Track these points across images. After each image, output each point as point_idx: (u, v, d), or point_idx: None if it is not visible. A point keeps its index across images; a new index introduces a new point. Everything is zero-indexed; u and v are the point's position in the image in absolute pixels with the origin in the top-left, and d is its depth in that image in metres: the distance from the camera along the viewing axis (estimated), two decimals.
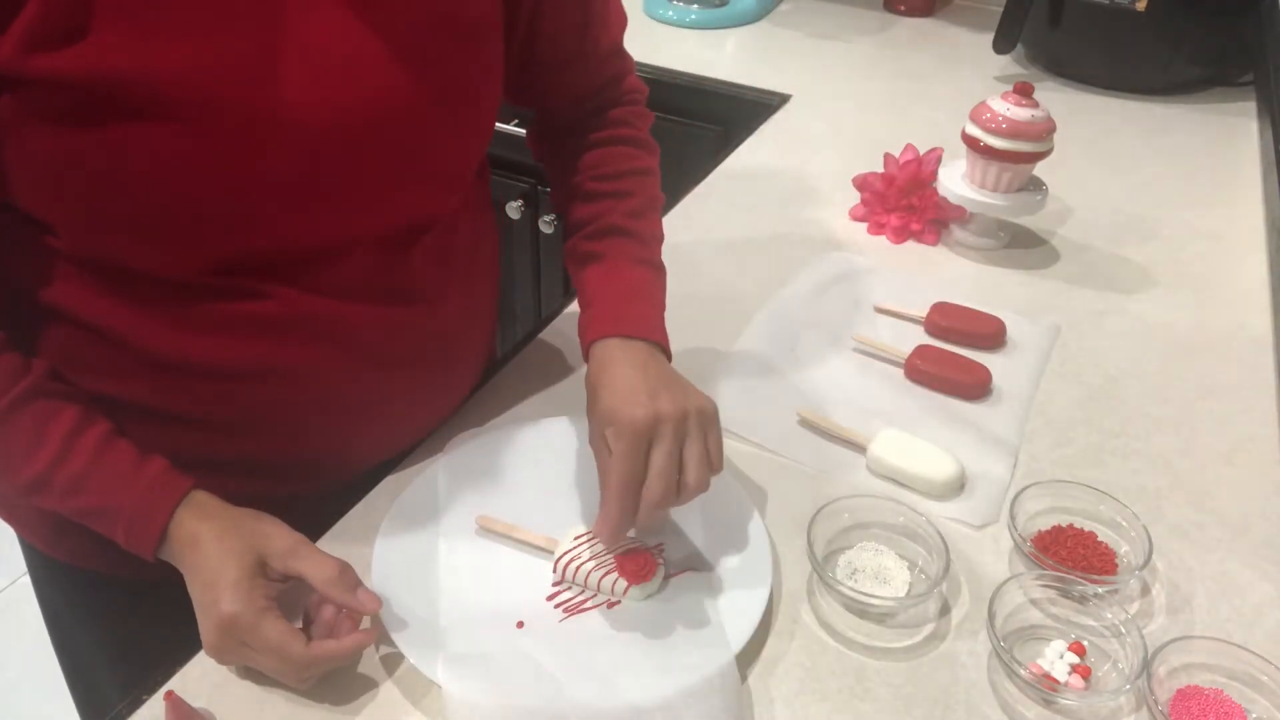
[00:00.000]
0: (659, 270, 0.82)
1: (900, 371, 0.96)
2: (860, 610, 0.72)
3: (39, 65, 0.54)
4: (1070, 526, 0.78)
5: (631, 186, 0.84)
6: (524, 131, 0.92)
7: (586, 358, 0.76)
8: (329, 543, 0.76)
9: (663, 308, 0.80)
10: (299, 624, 0.67)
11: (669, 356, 0.76)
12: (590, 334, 0.76)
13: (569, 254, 0.84)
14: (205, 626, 0.63)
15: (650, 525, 0.69)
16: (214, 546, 0.64)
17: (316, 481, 0.78)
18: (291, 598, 0.67)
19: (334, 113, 0.63)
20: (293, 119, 0.61)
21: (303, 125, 0.61)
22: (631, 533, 0.73)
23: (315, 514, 0.77)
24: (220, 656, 0.64)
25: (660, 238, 0.85)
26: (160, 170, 0.59)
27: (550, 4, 0.76)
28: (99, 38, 0.55)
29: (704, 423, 0.69)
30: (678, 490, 0.67)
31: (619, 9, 0.84)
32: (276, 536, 0.65)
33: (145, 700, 0.65)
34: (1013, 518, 0.77)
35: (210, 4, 0.57)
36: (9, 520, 0.82)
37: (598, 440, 0.70)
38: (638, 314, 0.77)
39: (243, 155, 0.60)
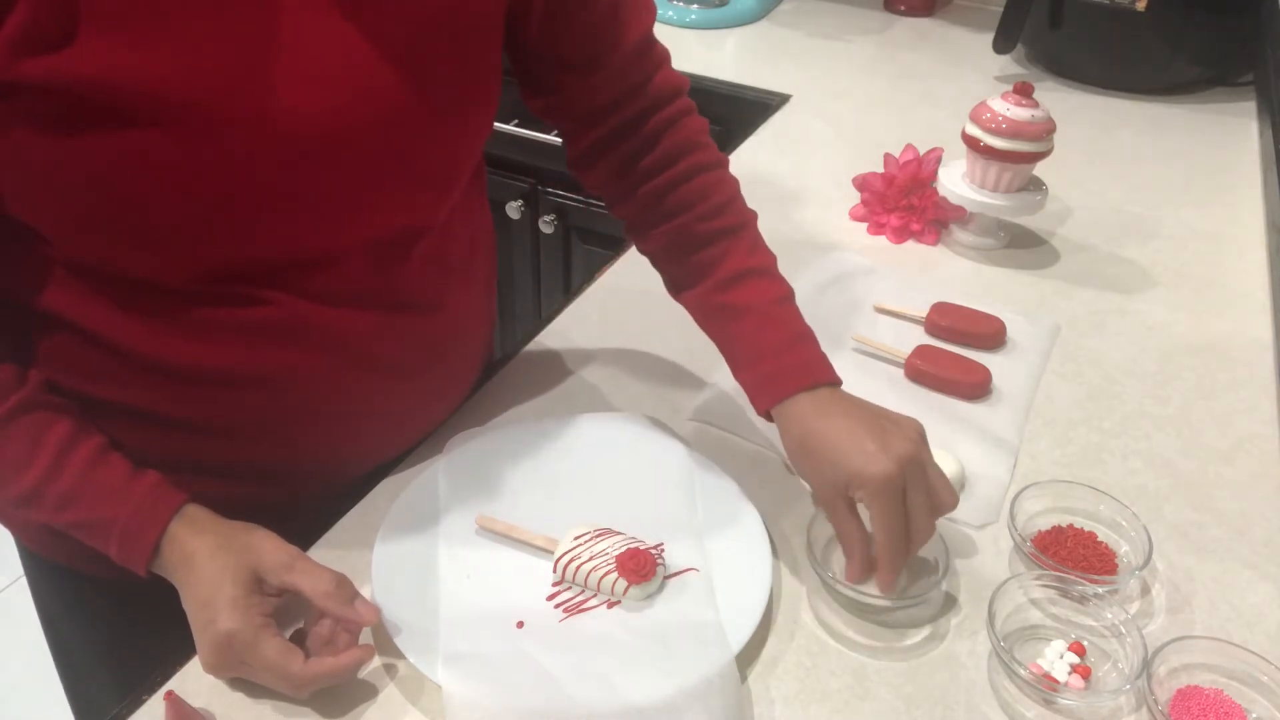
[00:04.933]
0: (794, 299, 0.80)
1: (900, 371, 0.96)
2: (860, 610, 0.72)
3: (27, 71, 0.54)
4: (1070, 526, 0.78)
5: (738, 220, 0.81)
6: (524, 131, 0.91)
7: (768, 415, 0.75)
8: (329, 544, 0.76)
9: (815, 339, 0.78)
10: (300, 626, 0.67)
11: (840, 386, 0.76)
12: (770, 394, 0.74)
13: (698, 306, 0.81)
14: (202, 644, 0.63)
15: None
16: (208, 564, 0.64)
17: (315, 485, 0.78)
18: (289, 608, 0.67)
19: (326, 118, 0.62)
20: (284, 124, 0.60)
21: (294, 131, 0.61)
22: (625, 529, 0.74)
23: (314, 516, 0.77)
24: (218, 673, 0.64)
25: (775, 260, 0.81)
26: (151, 176, 0.58)
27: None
28: (88, 43, 0.54)
29: (925, 442, 0.71)
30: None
31: (648, 1, 0.80)
32: (271, 551, 0.65)
33: (145, 700, 0.65)
34: (1013, 518, 0.77)
35: (201, 9, 0.57)
36: (4, 523, 0.82)
37: (832, 498, 0.70)
38: (809, 359, 0.76)
39: (234, 161, 0.60)
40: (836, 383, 0.75)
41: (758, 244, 0.81)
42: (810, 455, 0.71)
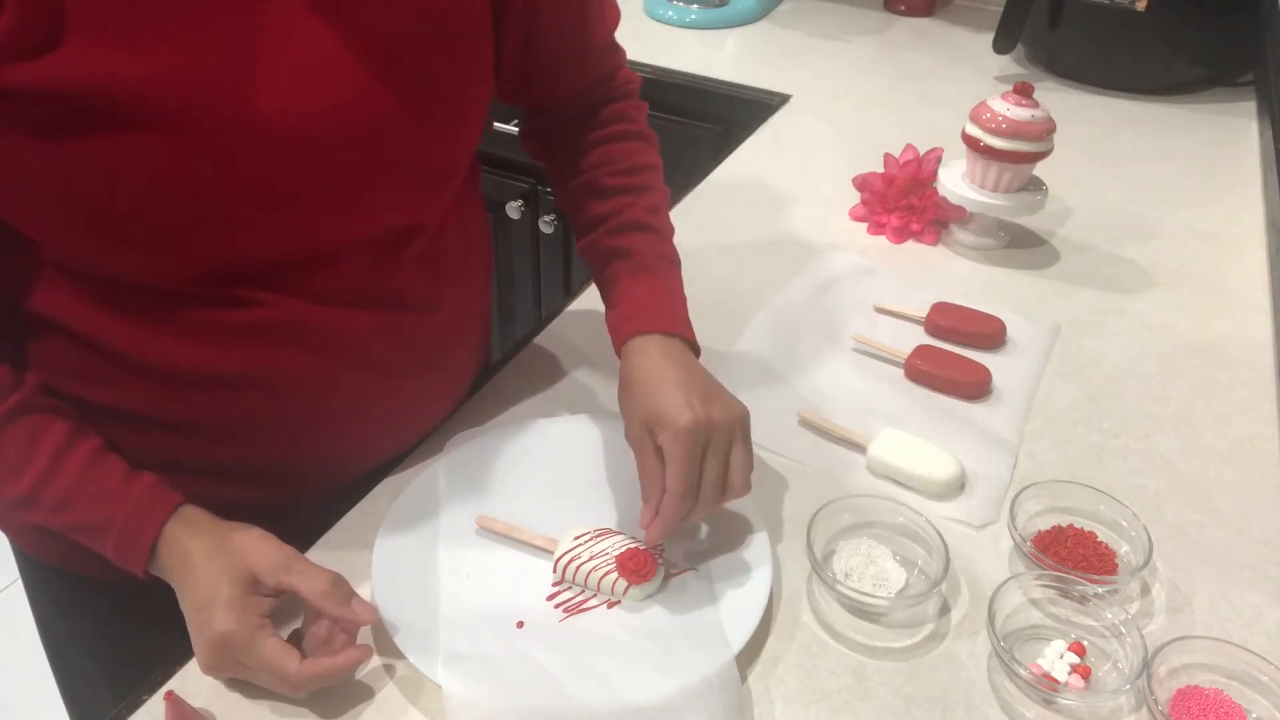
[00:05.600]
0: (679, 266, 0.83)
1: (900, 371, 0.96)
2: (860, 610, 0.72)
3: (14, 76, 0.54)
4: (1070, 526, 0.78)
5: (646, 181, 0.85)
6: None
7: (619, 352, 0.77)
8: (328, 544, 0.76)
9: (686, 303, 0.81)
10: (298, 626, 0.67)
11: (698, 353, 0.78)
12: (627, 329, 0.77)
13: (589, 249, 0.84)
14: (199, 646, 0.63)
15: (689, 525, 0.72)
16: (205, 565, 0.64)
17: (314, 485, 0.78)
18: (287, 609, 0.67)
19: (313, 120, 0.62)
20: (271, 127, 0.60)
21: (282, 133, 0.61)
22: (625, 529, 0.74)
23: (314, 517, 0.77)
24: (215, 674, 0.64)
25: (673, 231, 0.86)
26: (138, 181, 0.58)
27: (546, 3, 0.76)
28: (74, 48, 0.54)
29: (745, 429, 0.72)
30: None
31: (613, 3, 0.85)
32: (267, 552, 0.65)
33: (145, 700, 0.65)
34: (1013, 518, 0.77)
35: (186, 13, 0.57)
36: (0, 526, 0.82)
37: (641, 435, 0.71)
38: (672, 311, 0.78)
39: (221, 164, 0.60)
40: (694, 345, 0.77)
41: (659, 209, 0.85)
42: (631, 388, 0.73)
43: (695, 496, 0.69)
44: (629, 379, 0.74)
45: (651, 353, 0.74)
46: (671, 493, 0.68)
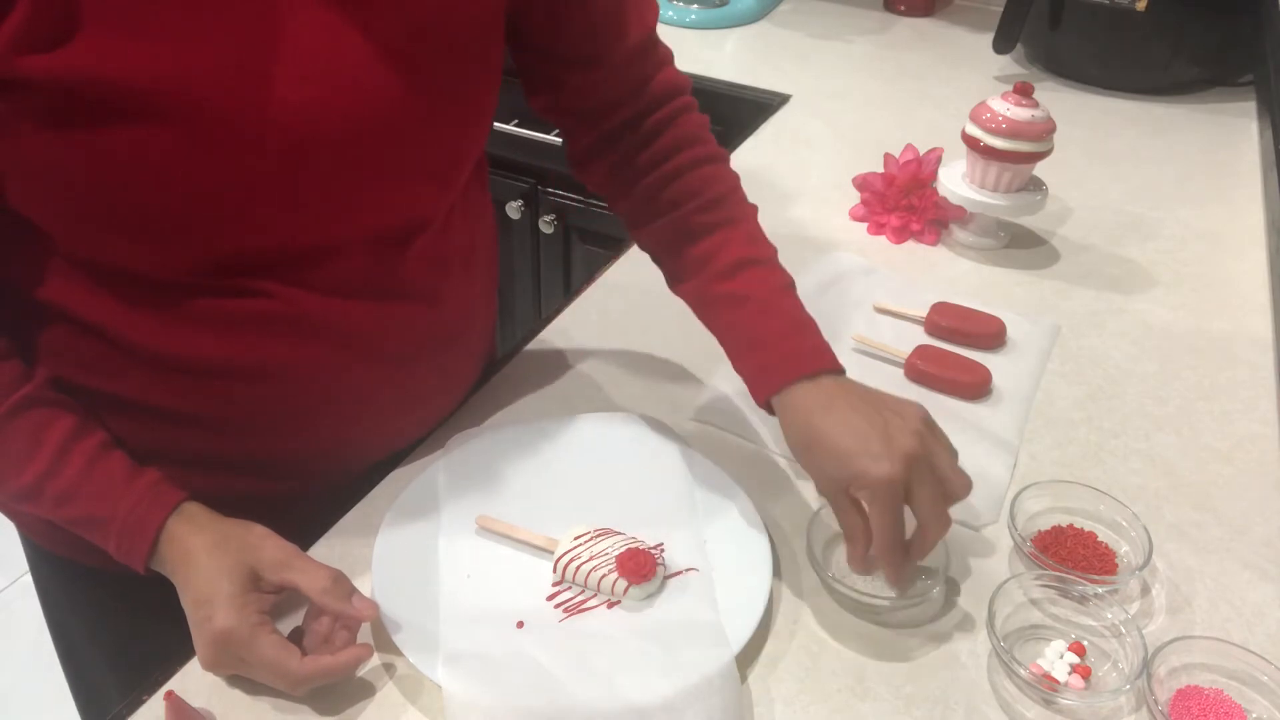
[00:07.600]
0: (794, 287, 0.79)
1: (900, 371, 0.96)
2: (860, 610, 0.72)
3: (28, 67, 0.54)
4: (1070, 526, 0.78)
5: (736, 212, 0.80)
6: (524, 131, 0.92)
7: (767, 407, 0.74)
8: (329, 541, 0.76)
9: (817, 326, 0.76)
10: (299, 623, 0.67)
11: (843, 372, 0.74)
12: (772, 382, 0.73)
13: (696, 296, 0.80)
14: (200, 642, 0.63)
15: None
16: (206, 561, 0.64)
17: (316, 479, 0.78)
18: (288, 606, 0.67)
19: (322, 115, 0.62)
20: (281, 121, 0.61)
21: (291, 127, 0.61)
22: (625, 529, 0.73)
23: (315, 513, 0.77)
24: (215, 670, 0.65)
25: (776, 251, 0.80)
26: (149, 172, 0.59)
27: None
28: (88, 40, 0.55)
29: (933, 428, 0.69)
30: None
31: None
32: (268, 548, 0.65)
33: (145, 700, 0.65)
34: (1013, 518, 0.77)
35: (199, 7, 0.57)
36: (7, 515, 0.82)
37: (834, 492, 0.69)
38: (811, 347, 0.74)
39: (231, 157, 0.60)
40: (838, 370, 0.74)
41: (757, 235, 0.80)
42: (812, 452, 0.70)
43: (904, 538, 0.67)
44: (801, 444, 0.70)
45: (808, 406, 0.70)
46: (882, 552, 0.67)
